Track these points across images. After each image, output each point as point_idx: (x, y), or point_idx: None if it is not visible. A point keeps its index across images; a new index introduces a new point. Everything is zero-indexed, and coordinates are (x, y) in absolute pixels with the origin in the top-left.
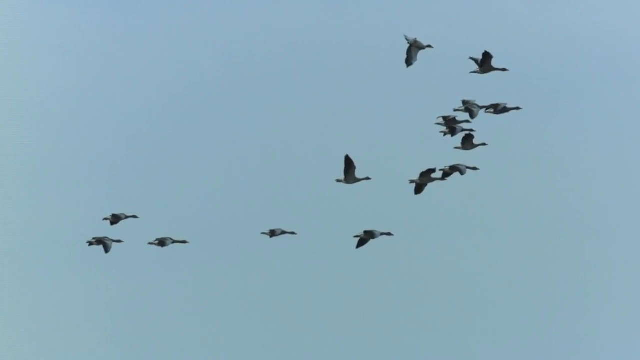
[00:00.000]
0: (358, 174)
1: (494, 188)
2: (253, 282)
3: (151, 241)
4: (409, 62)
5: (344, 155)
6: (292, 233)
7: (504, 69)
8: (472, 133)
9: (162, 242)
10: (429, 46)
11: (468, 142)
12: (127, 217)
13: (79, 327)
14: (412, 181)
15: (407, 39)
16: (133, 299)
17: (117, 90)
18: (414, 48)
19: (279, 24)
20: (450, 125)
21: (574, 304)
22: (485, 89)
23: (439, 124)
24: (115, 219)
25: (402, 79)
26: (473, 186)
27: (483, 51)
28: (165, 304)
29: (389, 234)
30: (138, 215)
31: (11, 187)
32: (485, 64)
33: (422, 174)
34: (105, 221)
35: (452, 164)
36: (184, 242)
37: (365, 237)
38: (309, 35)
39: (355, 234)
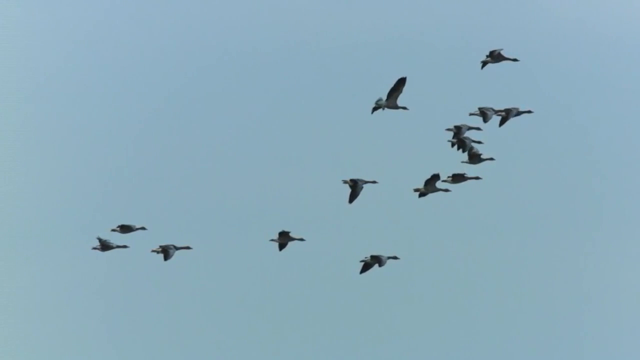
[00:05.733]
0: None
1: (499, 198)
2: (259, 289)
3: (154, 249)
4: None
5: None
6: (301, 239)
7: (515, 59)
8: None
9: (165, 250)
10: (404, 108)
11: (475, 157)
12: (136, 229)
13: (81, 332)
14: (416, 190)
15: (378, 104)
16: (135, 304)
17: (117, 96)
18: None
19: (283, 26)
20: (459, 137)
21: (576, 330)
22: (495, 92)
23: (449, 129)
24: (123, 230)
25: (412, 83)
26: (478, 196)
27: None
28: (170, 311)
29: (395, 257)
30: (146, 227)
31: (12, 193)
32: (495, 54)
33: (427, 182)
34: (113, 232)
35: (454, 173)
36: (187, 247)
37: (372, 262)
38: (317, 38)
39: (361, 259)
